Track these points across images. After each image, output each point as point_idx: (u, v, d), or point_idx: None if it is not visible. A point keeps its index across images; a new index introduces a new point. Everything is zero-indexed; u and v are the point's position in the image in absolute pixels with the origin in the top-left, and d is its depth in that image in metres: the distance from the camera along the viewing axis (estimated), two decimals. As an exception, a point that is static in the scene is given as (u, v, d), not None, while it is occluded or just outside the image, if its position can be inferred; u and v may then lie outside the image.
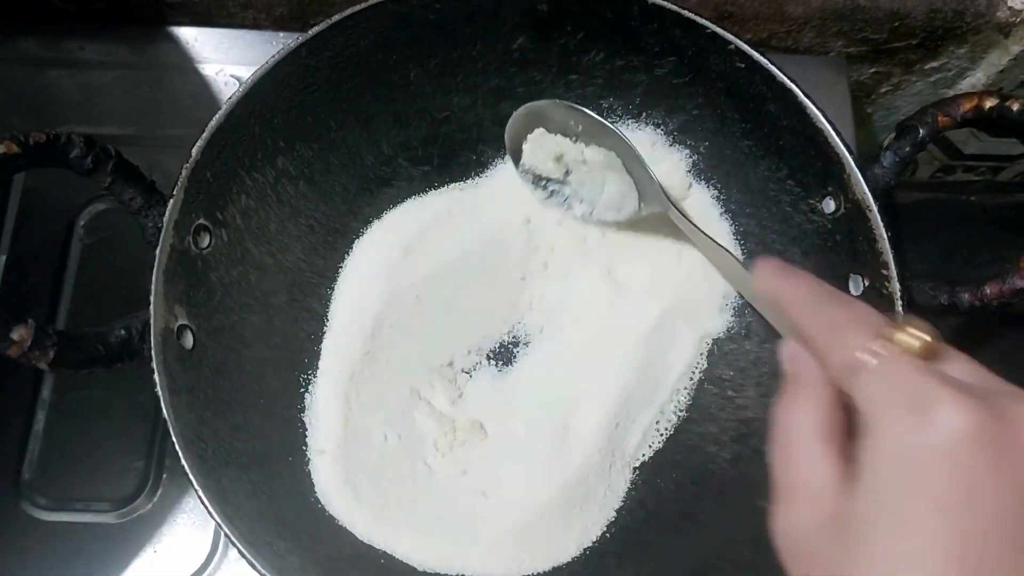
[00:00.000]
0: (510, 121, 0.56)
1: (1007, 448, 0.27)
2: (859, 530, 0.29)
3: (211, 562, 0.57)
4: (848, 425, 0.32)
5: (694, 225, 0.52)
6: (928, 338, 0.31)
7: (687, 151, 0.60)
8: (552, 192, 0.58)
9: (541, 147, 0.56)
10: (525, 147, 0.57)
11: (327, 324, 0.58)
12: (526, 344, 0.59)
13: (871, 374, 0.30)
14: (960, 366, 0.31)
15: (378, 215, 0.60)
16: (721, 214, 0.59)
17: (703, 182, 0.60)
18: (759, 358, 0.57)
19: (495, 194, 0.61)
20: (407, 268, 0.58)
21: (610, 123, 0.54)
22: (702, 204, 0.59)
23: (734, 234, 0.59)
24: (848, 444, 0.32)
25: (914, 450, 0.28)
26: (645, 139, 0.60)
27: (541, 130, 0.56)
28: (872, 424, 0.30)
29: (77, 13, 0.69)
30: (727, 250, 0.50)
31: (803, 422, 0.33)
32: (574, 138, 0.55)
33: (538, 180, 0.58)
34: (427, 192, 0.61)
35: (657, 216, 0.54)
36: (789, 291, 0.36)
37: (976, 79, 0.75)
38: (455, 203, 0.61)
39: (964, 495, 0.27)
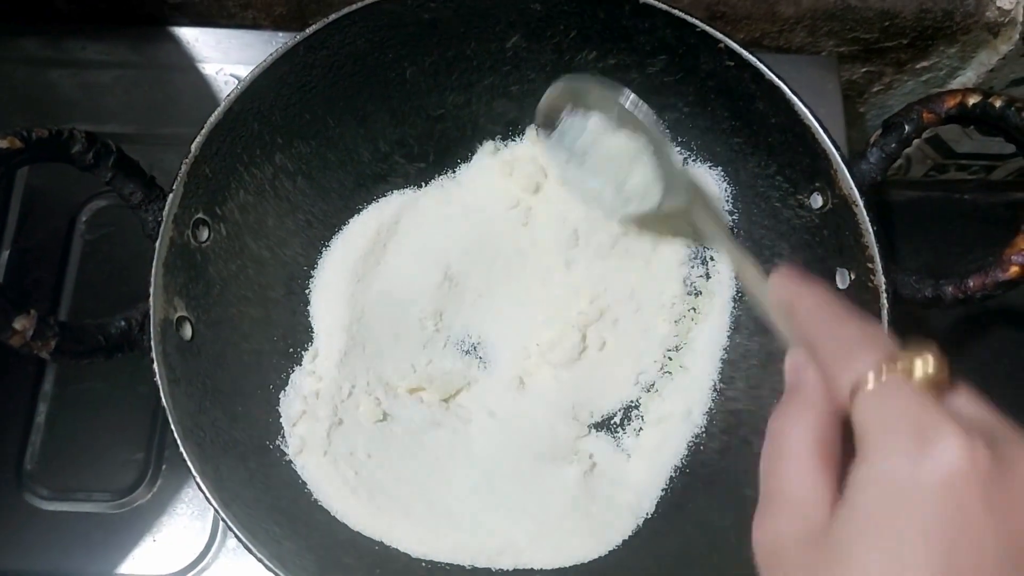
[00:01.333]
0: (548, 90, 0.55)
1: (1002, 489, 0.27)
2: (840, 550, 0.28)
3: (209, 551, 0.58)
4: (844, 444, 0.32)
5: (715, 224, 0.53)
6: (937, 368, 0.30)
7: (678, 148, 0.61)
8: (578, 166, 0.57)
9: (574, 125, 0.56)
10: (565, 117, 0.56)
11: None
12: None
13: (874, 395, 0.30)
14: (966, 401, 0.31)
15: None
16: (717, 199, 0.60)
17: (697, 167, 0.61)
18: (748, 351, 0.58)
19: (479, 186, 0.62)
20: (383, 261, 0.60)
21: (647, 110, 0.53)
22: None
23: (729, 227, 0.60)
24: (841, 463, 0.31)
25: (907, 478, 0.27)
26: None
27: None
28: (868, 446, 0.29)
29: (79, 13, 0.70)
30: (745, 253, 0.49)
31: (798, 434, 0.32)
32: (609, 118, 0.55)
33: (568, 154, 0.57)
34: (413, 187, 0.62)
35: (677, 211, 0.54)
36: (804, 301, 0.35)
37: (967, 78, 0.75)
38: (439, 194, 0.62)
39: (953, 531, 0.26)
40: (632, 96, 0.52)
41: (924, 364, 0.30)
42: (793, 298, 0.36)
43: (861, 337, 0.32)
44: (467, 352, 0.60)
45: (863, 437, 0.29)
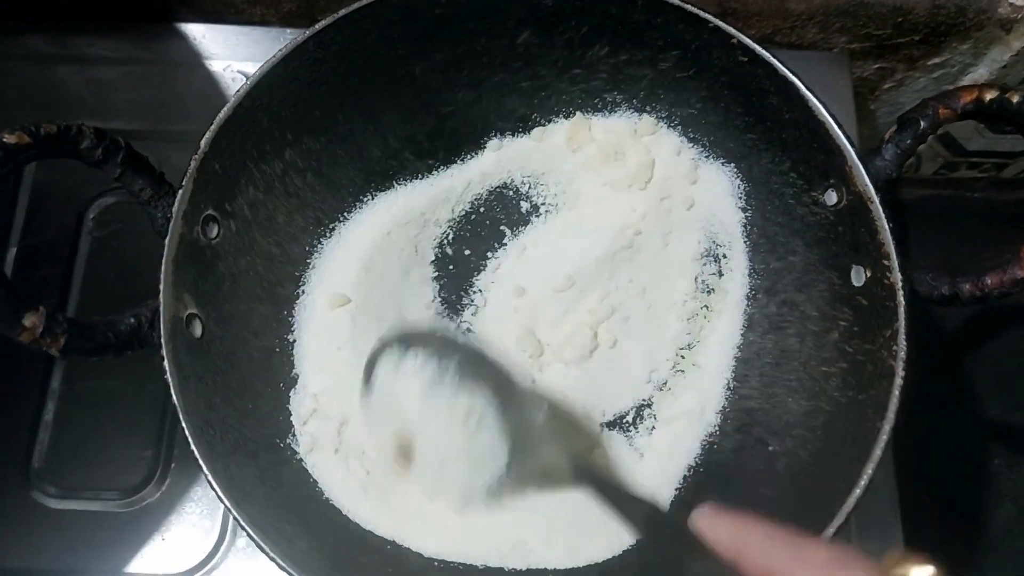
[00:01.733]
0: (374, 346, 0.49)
1: None
2: None
3: (219, 550, 0.57)
4: None
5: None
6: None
7: (690, 144, 0.60)
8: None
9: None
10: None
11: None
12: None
13: None
14: None
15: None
16: (730, 196, 0.60)
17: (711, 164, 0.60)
18: (762, 349, 0.57)
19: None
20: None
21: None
22: (712, 187, 0.60)
23: (742, 223, 0.59)
24: None
25: None
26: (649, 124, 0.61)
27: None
28: None
29: (85, 9, 0.70)
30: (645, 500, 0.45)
31: None
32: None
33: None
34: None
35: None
36: (749, 535, 0.32)
37: (979, 75, 0.75)
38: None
39: None
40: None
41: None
42: (732, 535, 0.33)
43: (839, 558, 0.30)
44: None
45: None
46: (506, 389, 0.46)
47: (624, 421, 0.58)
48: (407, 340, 0.47)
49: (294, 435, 0.54)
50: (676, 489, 0.56)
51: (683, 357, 0.59)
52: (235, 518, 0.44)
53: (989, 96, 0.49)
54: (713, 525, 0.34)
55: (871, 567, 0.28)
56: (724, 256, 0.60)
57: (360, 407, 0.50)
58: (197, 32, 0.70)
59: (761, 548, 0.32)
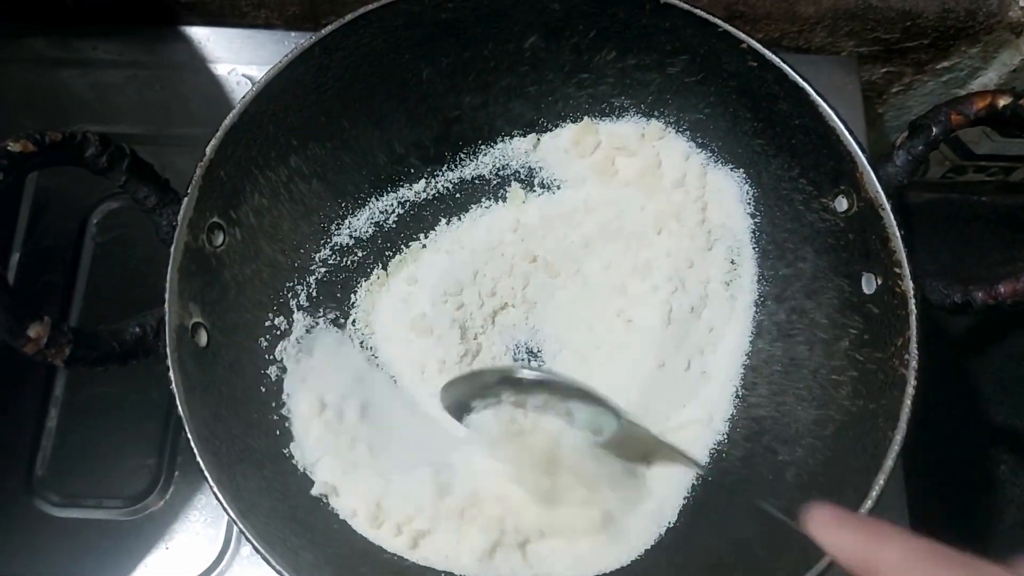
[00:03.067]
0: (445, 396, 0.52)
1: None
2: None
3: (223, 559, 0.57)
4: None
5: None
6: None
7: (699, 150, 0.60)
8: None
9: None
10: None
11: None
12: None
13: None
14: None
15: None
16: (740, 202, 0.59)
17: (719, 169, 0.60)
18: (771, 356, 0.57)
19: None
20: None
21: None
22: (720, 193, 0.60)
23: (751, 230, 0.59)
24: None
25: None
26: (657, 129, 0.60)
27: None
28: None
29: (89, 12, 0.70)
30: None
31: None
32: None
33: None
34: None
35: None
36: (884, 554, 0.29)
37: (988, 79, 0.75)
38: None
39: None
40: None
41: None
42: (863, 546, 0.30)
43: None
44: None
45: None
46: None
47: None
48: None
49: (300, 444, 0.53)
50: (684, 498, 0.55)
51: (691, 364, 0.58)
52: (241, 531, 0.43)
53: (1003, 102, 0.48)
54: (835, 531, 0.31)
55: None
56: (732, 262, 0.59)
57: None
58: (201, 35, 0.70)
59: (906, 565, 0.28)
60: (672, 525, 0.54)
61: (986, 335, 0.87)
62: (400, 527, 0.51)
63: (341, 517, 0.52)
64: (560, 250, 0.60)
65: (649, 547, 0.53)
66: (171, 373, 0.45)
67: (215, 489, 0.44)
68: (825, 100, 0.50)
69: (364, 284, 0.59)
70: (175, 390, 0.45)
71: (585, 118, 0.61)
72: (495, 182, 0.62)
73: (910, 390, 0.46)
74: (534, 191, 0.62)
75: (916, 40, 0.71)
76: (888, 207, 0.48)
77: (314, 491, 0.52)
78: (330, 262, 0.59)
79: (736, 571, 0.49)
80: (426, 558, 0.51)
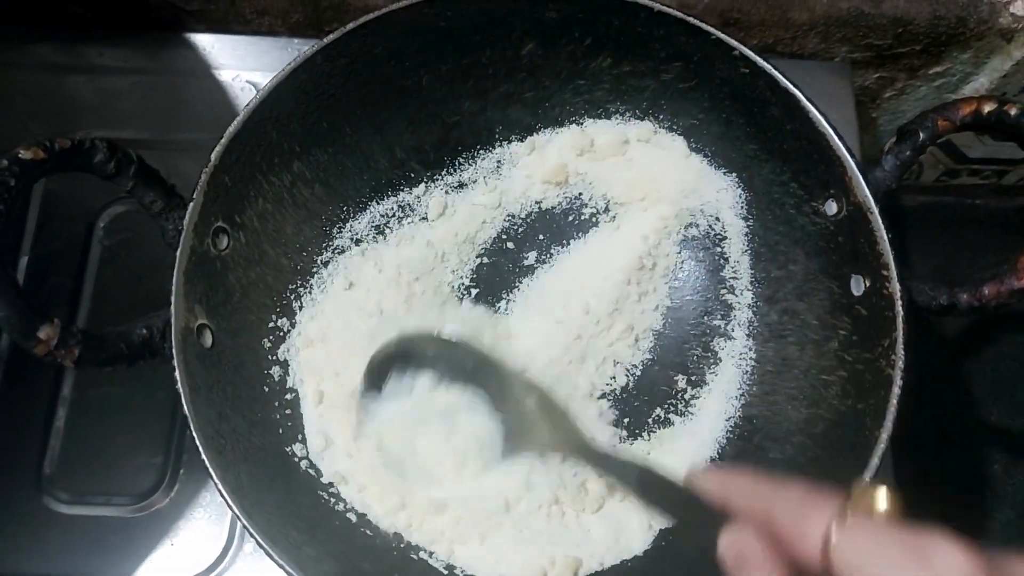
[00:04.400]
0: (378, 349, 0.53)
1: None
2: None
3: (227, 555, 0.58)
4: None
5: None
6: (892, 500, 0.31)
7: (693, 152, 0.61)
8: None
9: None
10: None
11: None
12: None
13: (851, 537, 0.29)
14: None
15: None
16: (732, 205, 0.60)
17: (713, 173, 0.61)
18: (763, 357, 0.58)
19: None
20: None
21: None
22: (714, 194, 0.61)
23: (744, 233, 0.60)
24: None
25: None
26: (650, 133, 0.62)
27: None
28: None
29: (94, 18, 0.71)
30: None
31: None
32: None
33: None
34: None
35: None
36: (737, 483, 0.36)
37: (979, 84, 0.76)
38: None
39: None
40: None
41: (881, 499, 0.31)
42: (724, 484, 0.36)
43: (811, 493, 0.32)
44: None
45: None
46: (497, 380, 0.51)
47: (627, 426, 0.59)
48: (405, 347, 0.52)
49: (303, 443, 0.54)
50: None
51: (686, 364, 0.59)
52: (245, 528, 0.45)
53: (987, 108, 0.49)
54: (705, 478, 0.38)
55: (842, 498, 0.31)
56: (725, 265, 0.60)
57: (360, 409, 0.52)
58: (206, 42, 0.71)
59: (744, 490, 0.35)
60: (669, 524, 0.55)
61: (979, 335, 0.88)
62: (410, 515, 0.53)
63: (350, 506, 0.53)
64: (553, 251, 0.62)
65: (647, 547, 0.54)
66: (177, 373, 0.46)
67: (219, 487, 0.45)
68: (815, 106, 0.51)
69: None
70: (181, 390, 0.46)
71: (581, 123, 0.62)
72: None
73: (896, 390, 0.47)
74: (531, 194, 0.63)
75: (908, 46, 0.72)
76: (876, 211, 0.49)
77: (324, 479, 0.53)
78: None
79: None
80: (425, 552, 0.52)
